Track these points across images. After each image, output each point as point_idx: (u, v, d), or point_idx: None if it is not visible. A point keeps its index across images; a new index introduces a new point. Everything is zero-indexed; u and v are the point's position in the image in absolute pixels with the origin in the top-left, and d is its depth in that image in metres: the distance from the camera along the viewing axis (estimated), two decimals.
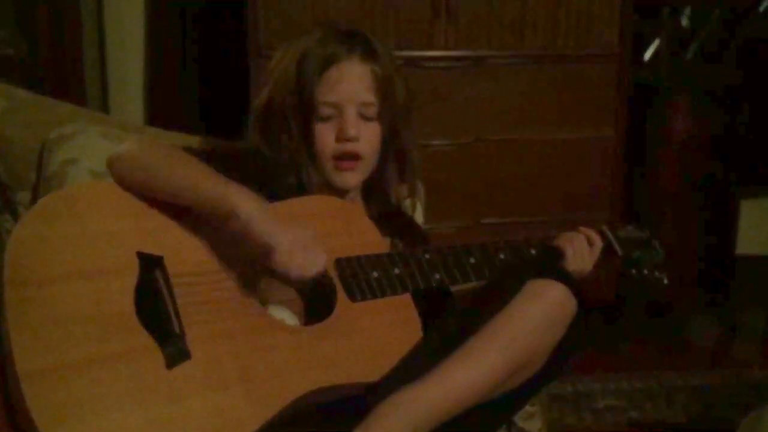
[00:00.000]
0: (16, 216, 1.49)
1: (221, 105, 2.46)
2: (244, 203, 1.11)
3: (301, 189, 1.36)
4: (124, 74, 2.66)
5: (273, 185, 1.33)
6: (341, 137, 1.34)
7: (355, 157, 1.35)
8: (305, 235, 1.14)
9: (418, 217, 1.64)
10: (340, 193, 1.38)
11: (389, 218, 1.43)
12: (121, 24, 2.64)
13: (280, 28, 2.28)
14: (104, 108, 2.61)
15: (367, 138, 1.36)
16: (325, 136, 1.34)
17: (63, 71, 2.43)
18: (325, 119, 1.34)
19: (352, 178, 1.37)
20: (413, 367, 1.14)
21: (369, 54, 1.35)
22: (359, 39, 1.35)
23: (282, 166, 1.37)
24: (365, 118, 1.35)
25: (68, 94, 2.32)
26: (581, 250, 1.38)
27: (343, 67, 1.33)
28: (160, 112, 2.68)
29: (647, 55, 2.78)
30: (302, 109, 1.34)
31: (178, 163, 1.19)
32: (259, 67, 2.25)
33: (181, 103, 2.70)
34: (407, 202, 1.53)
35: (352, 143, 1.34)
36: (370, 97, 1.34)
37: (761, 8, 2.76)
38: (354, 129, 1.33)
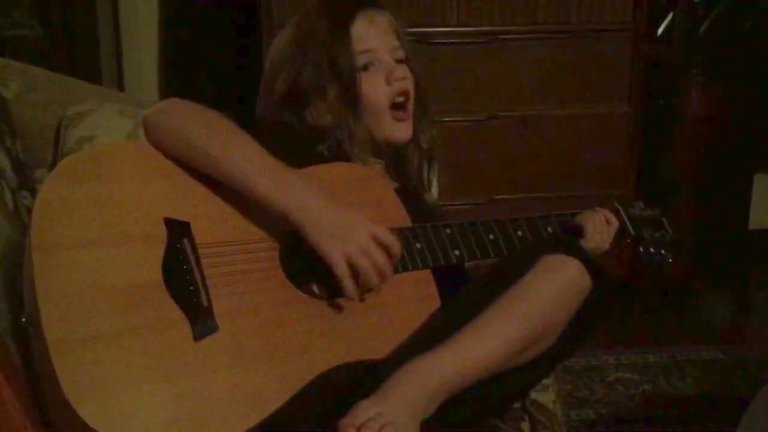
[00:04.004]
0: (33, 193, 1.49)
1: (237, 83, 2.46)
2: (295, 210, 1.11)
3: (329, 158, 1.34)
4: (139, 52, 2.66)
5: (297, 157, 1.32)
6: (390, 78, 1.35)
7: (406, 98, 1.37)
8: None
9: (434, 192, 1.64)
10: (386, 150, 1.41)
11: (409, 192, 1.42)
12: (135, 2, 2.63)
13: (293, 6, 2.27)
14: (120, 87, 2.60)
15: (408, 79, 1.39)
16: (375, 84, 1.36)
17: (77, 51, 2.43)
18: (366, 69, 1.36)
19: (407, 128, 1.39)
20: (428, 338, 1.15)
21: (378, 5, 1.40)
22: None
23: (309, 137, 1.35)
24: (397, 62, 1.38)
25: (83, 74, 2.32)
26: (600, 229, 1.39)
27: (367, 16, 1.37)
28: (176, 90, 2.68)
29: (660, 29, 2.75)
30: (339, 67, 1.34)
31: (222, 140, 1.15)
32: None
33: (196, 81, 2.70)
34: (425, 178, 1.53)
35: (401, 82, 1.36)
36: (395, 41, 1.38)
37: None
38: (399, 69, 1.36)
